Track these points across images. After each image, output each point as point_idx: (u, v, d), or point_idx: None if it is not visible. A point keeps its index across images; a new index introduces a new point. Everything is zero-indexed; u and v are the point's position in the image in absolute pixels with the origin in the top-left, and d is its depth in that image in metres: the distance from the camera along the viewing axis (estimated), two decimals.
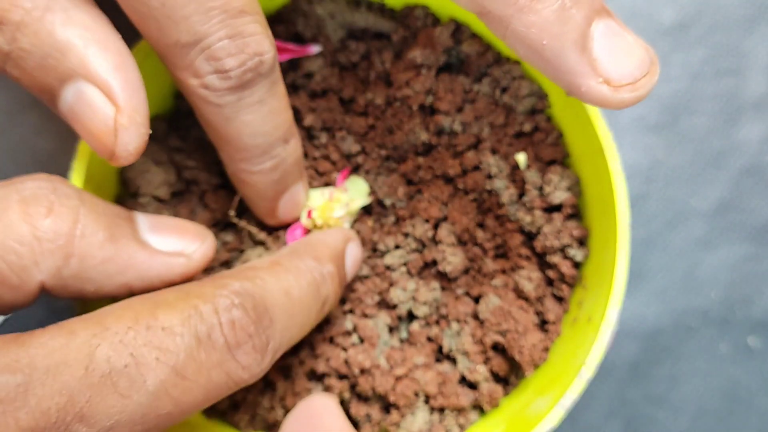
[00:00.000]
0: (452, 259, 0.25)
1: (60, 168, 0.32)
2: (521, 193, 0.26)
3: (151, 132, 0.19)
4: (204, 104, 0.20)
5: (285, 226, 0.26)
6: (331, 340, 0.26)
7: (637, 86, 0.17)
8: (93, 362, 0.16)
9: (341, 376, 0.26)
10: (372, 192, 0.27)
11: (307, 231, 0.26)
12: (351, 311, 0.26)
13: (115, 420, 0.16)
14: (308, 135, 0.27)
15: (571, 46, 0.17)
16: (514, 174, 0.27)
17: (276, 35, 0.26)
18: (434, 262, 0.26)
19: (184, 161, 0.26)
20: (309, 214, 0.25)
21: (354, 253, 0.24)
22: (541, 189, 0.26)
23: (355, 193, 0.26)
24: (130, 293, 0.19)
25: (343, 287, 0.23)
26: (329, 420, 0.22)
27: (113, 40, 0.19)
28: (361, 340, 0.26)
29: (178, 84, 0.20)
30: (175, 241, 0.20)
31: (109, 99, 0.18)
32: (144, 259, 0.19)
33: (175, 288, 0.19)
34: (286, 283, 0.20)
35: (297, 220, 0.26)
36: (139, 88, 0.19)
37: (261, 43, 0.19)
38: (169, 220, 0.21)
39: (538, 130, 0.27)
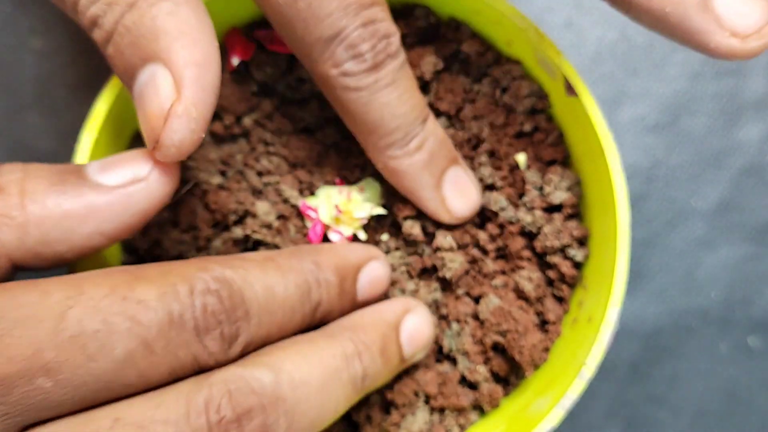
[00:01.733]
0: (452, 265, 0.25)
1: None
2: (521, 194, 0.26)
3: (203, 135, 0.20)
4: (344, 93, 0.22)
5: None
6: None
7: (762, 33, 0.18)
8: (64, 322, 0.16)
9: None
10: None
11: (326, 228, 0.26)
12: None
13: (81, 380, 0.16)
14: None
15: (694, 8, 0.18)
16: (514, 174, 0.27)
17: (277, 35, 0.26)
18: (434, 268, 0.26)
19: (185, 161, 0.26)
20: (337, 209, 0.25)
21: (374, 272, 0.24)
22: (541, 189, 0.26)
23: (369, 194, 0.26)
24: (108, 240, 0.19)
25: (351, 302, 0.23)
26: None
27: (207, 41, 0.19)
28: None
29: (318, 79, 0.22)
30: (127, 170, 0.19)
31: (176, 87, 0.19)
32: (100, 199, 0.19)
33: (159, 264, 0.19)
34: (271, 280, 0.20)
35: (474, 211, 0.25)
36: (209, 90, 0.19)
37: (389, 27, 0.21)
38: (119, 155, 0.20)
39: (538, 130, 0.27)
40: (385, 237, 0.26)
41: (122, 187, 0.19)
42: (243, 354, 0.19)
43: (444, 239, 0.25)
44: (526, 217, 0.26)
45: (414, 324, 0.23)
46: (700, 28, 0.18)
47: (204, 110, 0.19)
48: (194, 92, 0.19)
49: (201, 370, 0.18)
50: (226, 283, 0.18)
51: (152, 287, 0.17)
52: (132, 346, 0.17)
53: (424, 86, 0.27)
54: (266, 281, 0.20)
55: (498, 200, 0.26)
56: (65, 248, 0.19)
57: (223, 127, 0.27)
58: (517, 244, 0.26)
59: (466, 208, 0.25)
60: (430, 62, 0.26)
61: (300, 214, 0.26)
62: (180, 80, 0.19)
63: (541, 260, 0.27)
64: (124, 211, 0.19)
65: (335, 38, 0.21)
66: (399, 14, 0.27)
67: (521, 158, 0.26)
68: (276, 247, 0.26)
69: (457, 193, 0.25)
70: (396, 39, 0.22)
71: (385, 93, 0.22)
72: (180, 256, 0.26)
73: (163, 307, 0.17)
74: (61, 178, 0.19)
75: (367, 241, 0.26)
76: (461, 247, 0.26)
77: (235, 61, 0.26)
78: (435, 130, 0.24)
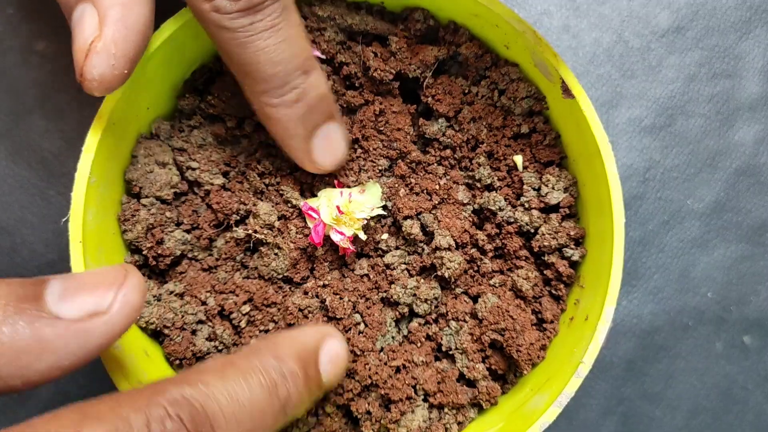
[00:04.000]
0: (451, 265, 0.26)
1: (65, 169, 0.32)
2: (519, 194, 0.27)
3: (126, 71, 0.20)
4: (218, 30, 0.21)
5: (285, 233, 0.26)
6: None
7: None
8: None
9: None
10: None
11: (327, 228, 0.26)
12: (354, 308, 0.26)
13: None
14: None
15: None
16: (512, 175, 0.27)
17: None
18: (433, 267, 0.26)
19: (187, 162, 0.27)
20: (338, 209, 0.26)
21: (333, 350, 0.22)
22: (538, 190, 0.26)
23: (370, 195, 0.26)
24: (65, 372, 0.18)
25: (318, 388, 0.21)
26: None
27: None
28: (366, 326, 0.26)
29: (196, 13, 0.22)
30: (87, 300, 0.18)
31: (99, 25, 0.20)
32: (56, 336, 0.17)
33: (110, 396, 0.17)
34: (234, 387, 0.18)
35: (338, 165, 0.26)
36: (133, 29, 0.20)
37: None
38: (81, 277, 0.19)
39: (535, 131, 0.27)
40: (384, 236, 0.27)
41: (81, 321, 0.18)
42: None
43: (443, 239, 0.26)
44: (523, 217, 0.26)
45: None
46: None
47: (126, 48, 0.20)
48: (115, 30, 0.20)
49: None
50: (186, 404, 0.17)
51: (101, 426, 0.16)
52: None
53: (423, 87, 0.27)
54: (228, 390, 0.18)
55: (496, 200, 0.26)
56: (19, 383, 0.17)
57: (225, 129, 0.27)
58: (515, 243, 0.26)
59: (330, 162, 0.25)
60: (431, 53, 0.26)
61: (301, 215, 0.27)
62: (103, 18, 0.20)
63: (539, 260, 0.27)
64: (81, 347, 0.18)
65: None
66: (398, 17, 0.27)
67: (518, 159, 0.27)
68: (277, 246, 0.26)
69: (325, 147, 0.25)
70: None
71: (263, 37, 0.21)
72: (183, 256, 0.27)
73: None
74: (18, 307, 0.17)
75: (367, 241, 0.27)
76: (460, 246, 0.27)
77: None
78: (318, 83, 0.23)
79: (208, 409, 0.17)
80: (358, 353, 0.26)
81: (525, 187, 0.26)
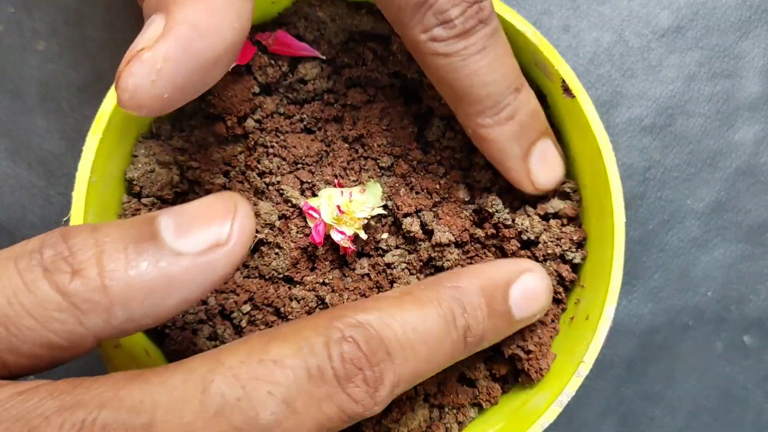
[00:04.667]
0: (450, 257, 0.26)
1: (66, 169, 0.32)
2: (519, 198, 0.27)
3: (167, 96, 0.19)
4: (434, 59, 0.22)
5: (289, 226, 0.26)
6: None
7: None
8: (208, 397, 0.16)
9: None
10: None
11: (328, 227, 0.26)
12: None
13: None
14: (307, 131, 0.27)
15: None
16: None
17: (278, 37, 0.26)
18: (431, 260, 0.26)
19: (188, 162, 0.27)
20: (339, 209, 0.26)
21: (528, 286, 0.22)
22: (538, 198, 0.27)
23: (371, 194, 0.26)
24: (191, 304, 0.19)
25: (506, 323, 0.22)
26: None
27: (225, 13, 0.19)
28: None
29: (410, 45, 0.23)
30: (205, 234, 0.18)
31: (156, 38, 0.18)
32: (183, 273, 0.18)
33: (295, 321, 0.19)
34: (409, 315, 0.19)
35: (557, 184, 0.26)
36: (195, 56, 0.19)
37: None
38: (190, 209, 0.19)
39: None
40: (385, 236, 0.27)
41: (203, 254, 0.18)
42: (392, 396, 0.19)
43: (443, 235, 0.26)
44: (523, 222, 0.26)
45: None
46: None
47: (176, 71, 0.18)
48: (171, 47, 0.18)
49: (351, 420, 0.18)
50: (362, 328, 0.18)
51: (286, 345, 0.17)
52: (274, 409, 0.16)
53: (421, 87, 0.27)
54: (404, 317, 0.19)
55: (494, 202, 0.26)
56: (151, 321, 0.18)
57: (225, 128, 0.27)
58: (512, 246, 0.26)
59: (549, 181, 0.25)
60: None
61: (301, 214, 0.27)
62: (166, 32, 0.18)
63: (538, 259, 0.27)
64: (207, 279, 0.18)
65: (425, 2, 0.21)
66: None
67: None
68: (278, 246, 0.26)
69: (542, 166, 0.25)
70: (488, 4, 0.22)
71: (475, 60, 0.22)
72: None
73: (299, 363, 0.17)
74: (138, 248, 0.18)
75: (367, 240, 0.27)
76: (459, 245, 0.27)
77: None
78: (528, 100, 0.24)
79: (383, 334, 0.18)
80: None
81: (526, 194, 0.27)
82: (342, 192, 0.26)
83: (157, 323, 0.18)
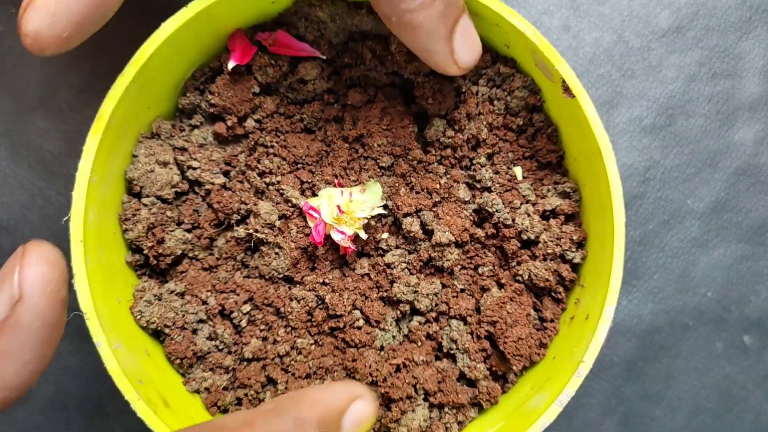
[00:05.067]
0: (450, 257, 0.26)
1: (65, 169, 0.32)
2: (519, 198, 0.27)
3: (66, 35, 0.20)
4: None
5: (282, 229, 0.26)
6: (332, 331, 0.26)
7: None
8: None
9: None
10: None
11: (328, 227, 0.26)
12: (354, 306, 0.26)
13: None
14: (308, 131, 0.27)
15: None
16: (513, 181, 0.27)
17: (278, 37, 0.26)
18: (432, 259, 0.26)
19: (188, 161, 0.27)
20: (339, 209, 0.26)
21: (358, 413, 0.21)
22: (538, 196, 0.27)
23: (371, 194, 0.26)
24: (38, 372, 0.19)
25: None
26: None
27: None
28: (366, 322, 0.26)
29: None
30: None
31: None
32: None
33: None
34: None
35: (476, 62, 0.25)
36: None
37: None
38: None
39: (535, 131, 0.27)
40: (385, 236, 0.27)
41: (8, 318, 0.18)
42: None
43: (443, 235, 0.26)
44: (524, 222, 0.26)
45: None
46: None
47: (68, 10, 0.20)
48: None
49: None
50: None
51: None
52: None
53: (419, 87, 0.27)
54: None
55: (494, 202, 0.26)
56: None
57: (225, 129, 0.27)
58: (512, 245, 0.26)
59: (472, 59, 0.25)
60: None
61: (302, 214, 0.27)
62: None
63: (538, 260, 0.27)
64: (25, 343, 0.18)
65: None
66: None
67: (518, 171, 0.27)
68: (278, 246, 0.26)
69: (465, 44, 0.24)
70: None
71: None
72: (184, 255, 0.27)
73: None
74: None
75: (367, 240, 0.27)
76: (459, 245, 0.27)
77: (231, 64, 0.26)
78: None
79: None
80: (360, 347, 0.26)
81: (526, 192, 0.27)
82: (342, 192, 0.26)
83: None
